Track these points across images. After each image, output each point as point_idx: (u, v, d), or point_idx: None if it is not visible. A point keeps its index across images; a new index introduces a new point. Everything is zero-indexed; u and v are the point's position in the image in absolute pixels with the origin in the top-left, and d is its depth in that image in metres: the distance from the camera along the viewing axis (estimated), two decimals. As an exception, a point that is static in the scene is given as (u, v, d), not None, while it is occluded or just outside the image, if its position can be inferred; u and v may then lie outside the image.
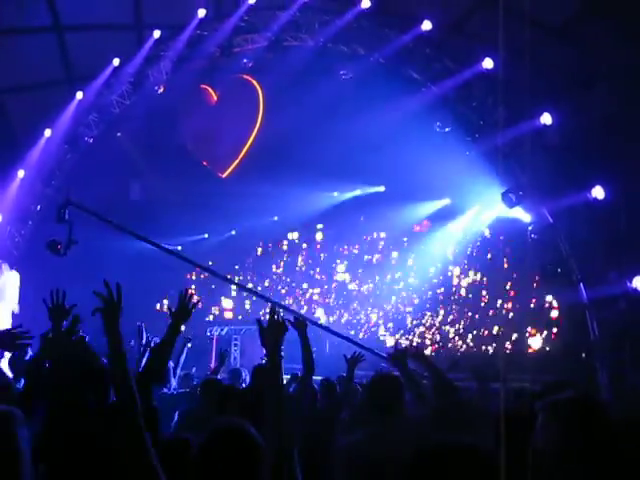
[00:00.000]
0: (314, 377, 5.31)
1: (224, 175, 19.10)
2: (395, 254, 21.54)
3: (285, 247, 22.22)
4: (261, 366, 5.89)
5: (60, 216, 10.39)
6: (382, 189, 20.05)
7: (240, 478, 2.49)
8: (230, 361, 18.40)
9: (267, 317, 3.39)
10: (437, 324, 20.48)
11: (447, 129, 16.74)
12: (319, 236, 22.03)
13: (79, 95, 17.17)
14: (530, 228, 15.60)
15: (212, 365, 16.79)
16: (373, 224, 21.09)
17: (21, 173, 16.92)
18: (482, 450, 2.08)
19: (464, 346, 19.53)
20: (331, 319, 21.40)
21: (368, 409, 4.52)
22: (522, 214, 15.28)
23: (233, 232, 20.92)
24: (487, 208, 18.51)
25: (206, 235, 20.87)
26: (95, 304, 2.91)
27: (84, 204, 11.36)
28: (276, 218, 20.78)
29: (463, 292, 20.60)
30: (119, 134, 18.24)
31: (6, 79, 16.97)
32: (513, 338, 18.58)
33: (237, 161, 18.87)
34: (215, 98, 18.93)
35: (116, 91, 17.35)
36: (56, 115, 16.98)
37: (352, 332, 19.70)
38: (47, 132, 17.01)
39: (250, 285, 20.93)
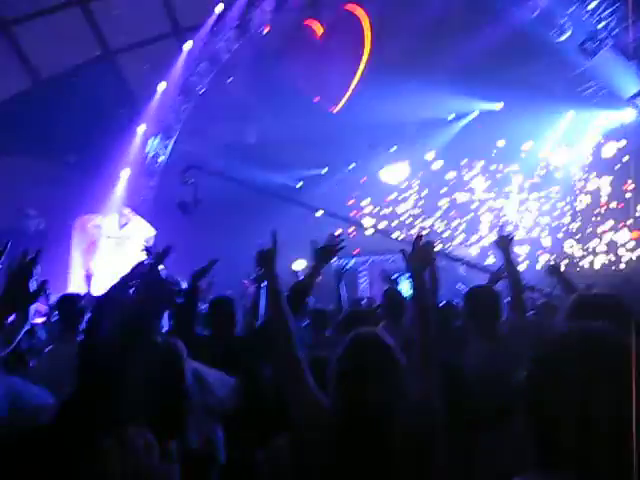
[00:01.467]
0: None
1: (335, 109, 18.94)
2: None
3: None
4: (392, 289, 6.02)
5: (185, 179, 10.83)
6: (500, 106, 19.10)
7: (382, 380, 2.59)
8: (358, 292, 18.63)
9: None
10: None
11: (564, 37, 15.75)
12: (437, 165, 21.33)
13: (188, 45, 17.49)
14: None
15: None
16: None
17: (141, 128, 17.57)
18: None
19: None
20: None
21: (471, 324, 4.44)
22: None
23: (352, 166, 20.73)
24: (614, 115, 17.43)
25: (325, 170, 20.81)
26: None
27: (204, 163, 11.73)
28: (395, 148, 20.35)
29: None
30: (230, 80, 18.43)
31: (117, 39, 17.56)
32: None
33: (348, 94, 18.63)
34: (320, 32, 18.66)
35: (222, 37, 17.52)
36: (167, 68, 17.40)
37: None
38: (161, 85, 17.51)
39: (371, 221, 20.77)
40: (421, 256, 3.11)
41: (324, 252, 3.89)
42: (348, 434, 2.61)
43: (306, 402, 2.77)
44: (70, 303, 5.42)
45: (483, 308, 4.42)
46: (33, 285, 2.52)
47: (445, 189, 20.86)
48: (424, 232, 20.40)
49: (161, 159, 18.04)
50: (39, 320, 7.17)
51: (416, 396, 2.73)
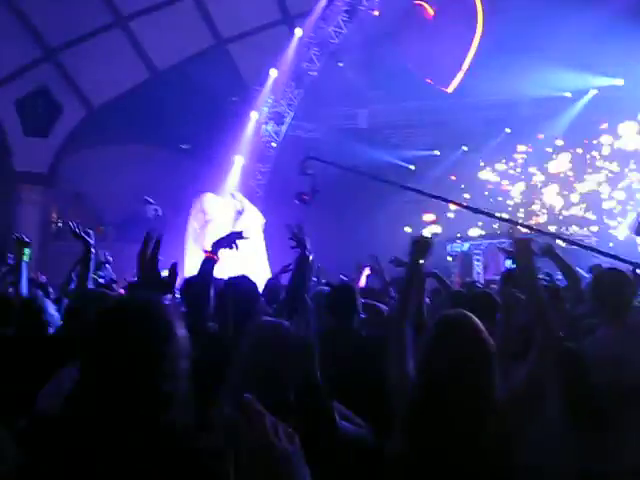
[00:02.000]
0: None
1: (449, 89, 18.54)
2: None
3: (521, 160, 20.92)
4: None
5: (303, 170, 10.87)
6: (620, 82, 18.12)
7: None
8: (474, 275, 18.27)
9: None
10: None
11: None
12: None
13: (298, 32, 17.54)
14: None
15: (457, 279, 16.83)
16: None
17: (254, 115, 17.78)
18: None
19: None
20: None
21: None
22: None
23: (464, 148, 20.22)
24: None
25: (437, 152, 20.39)
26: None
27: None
28: (508, 130, 19.70)
29: None
30: (341, 64, 18.37)
31: (229, 29, 17.83)
32: None
33: (461, 73, 18.20)
34: (431, 13, 18.31)
35: (332, 22, 17.48)
36: (278, 55, 17.52)
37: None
38: (272, 72, 17.65)
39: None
40: (522, 250, 3.13)
41: (419, 246, 3.70)
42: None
43: None
44: (193, 286, 5.42)
45: (612, 292, 4.09)
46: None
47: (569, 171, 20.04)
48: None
49: (274, 145, 18.19)
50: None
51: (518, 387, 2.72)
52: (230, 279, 4.32)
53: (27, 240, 5.31)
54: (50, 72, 18.63)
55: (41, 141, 19.15)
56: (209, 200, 16.01)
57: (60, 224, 20.72)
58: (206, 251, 3.89)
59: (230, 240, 3.88)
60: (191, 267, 12.88)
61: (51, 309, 4.40)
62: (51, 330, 4.25)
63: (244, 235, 3.96)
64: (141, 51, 18.83)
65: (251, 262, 13.95)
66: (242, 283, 4.25)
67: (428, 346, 2.74)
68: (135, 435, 1.67)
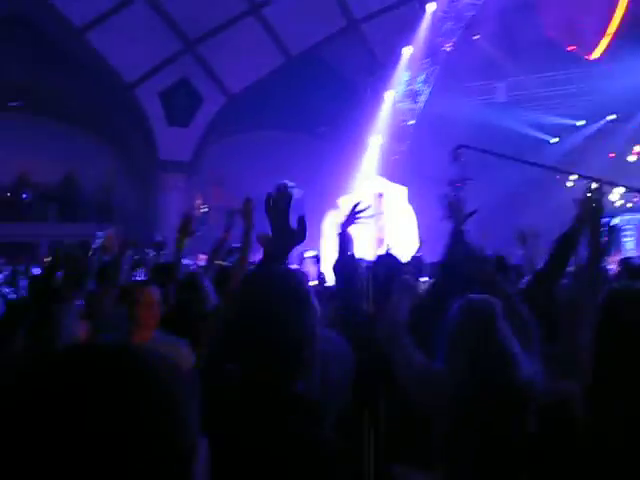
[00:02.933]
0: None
1: (593, 56, 17.59)
2: None
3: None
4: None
5: (455, 158, 10.77)
6: None
7: None
8: (624, 250, 17.40)
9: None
10: None
11: None
12: None
13: (431, 7, 17.20)
14: None
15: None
16: None
17: (389, 94, 17.63)
18: None
19: None
20: None
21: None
22: None
23: (612, 117, 19.09)
24: None
25: (582, 122, 19.43)
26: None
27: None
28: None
29: None
30: (476, 37, 17.86)
31: (361, 9, 17.74)
32: None
33: (607, 38, 17.21)
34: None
35: (467, -6, 17.02)
36: (412, 32, 17.27)
37: None
38: (407, 50, 17.41)
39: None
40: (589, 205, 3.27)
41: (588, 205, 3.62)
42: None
43: None
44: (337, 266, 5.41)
45: None
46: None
47: None
48: None
49: (411, 123, 17.98)
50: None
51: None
52: (377, 257, 4.50)
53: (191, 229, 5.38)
54: (190, 64, 19.22)
55: (183, 130, 19.84)
56: (344, 203, 15.92)
57: (204, 209, 21.44)
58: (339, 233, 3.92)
59: (354, 216, 3.84)
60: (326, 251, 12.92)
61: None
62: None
63: (366, 208, 3.89)
64: (275, 37, 19.06)
65: (399, 239, 13.94)
66: (384, 262, 4.34)
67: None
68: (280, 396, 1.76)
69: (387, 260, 4.45)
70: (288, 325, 1.79)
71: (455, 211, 4.20)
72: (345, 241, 3.88)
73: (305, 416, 1.74)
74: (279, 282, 1.88)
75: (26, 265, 11.10)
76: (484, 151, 9.57)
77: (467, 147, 9.36)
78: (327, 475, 1.68)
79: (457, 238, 4.05)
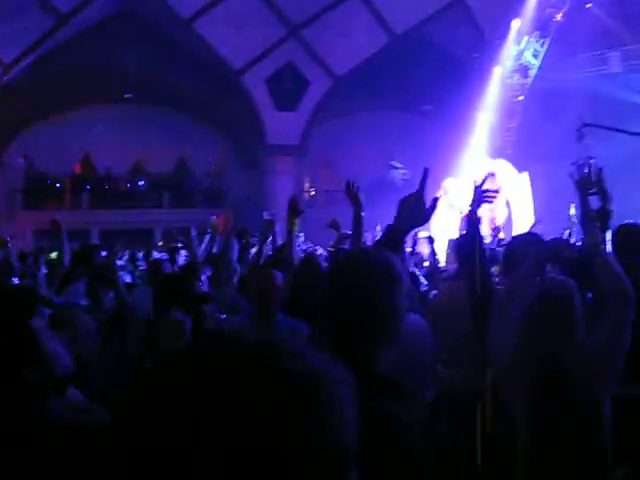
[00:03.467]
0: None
1: None
2: None
3: None
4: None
5: (580, 137, 10.56)
6: None
7: None
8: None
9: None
10: None
11: None
12: None
13: (541, -23, 16.65)
14: None
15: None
16: None
17: (497, 69, 17.28)
18: None
19: None
20: None
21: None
22: None
23: None
24: None
25: None
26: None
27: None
28: None
29: None
30: (589, 5, 17.13)
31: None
32: None
33: None
34: None
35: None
36: (520, 4, 16.79)
37: None
38: (515, 23, 16.97)
39: None
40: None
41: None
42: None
43: None
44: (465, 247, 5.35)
45: None
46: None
47: None
48: None
49: (520, 98, 17.54)
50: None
51: None
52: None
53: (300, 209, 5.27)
54: (295, 48, 19.42)
55: (291, 114, 20.10)
56: (451, 185, 15.66)
57: (312, 192, 21.78)
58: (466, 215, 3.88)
59: (481, 196, 3.81)
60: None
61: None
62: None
63: (489, 187, 3.91)
64: (379, 17, 18.94)
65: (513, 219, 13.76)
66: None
67: None
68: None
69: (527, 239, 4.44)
70: (379, 302, 1.81)
71: (583, 190, 4.10)
72: (476, 223, 3.86)
73: (390, 395, 1.72)
74: (368, 261, 1.88)
75: (145, 250, 11.28)
76: (610, 128, 9.25)
77: (593, 125, 9.09)
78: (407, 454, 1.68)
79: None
